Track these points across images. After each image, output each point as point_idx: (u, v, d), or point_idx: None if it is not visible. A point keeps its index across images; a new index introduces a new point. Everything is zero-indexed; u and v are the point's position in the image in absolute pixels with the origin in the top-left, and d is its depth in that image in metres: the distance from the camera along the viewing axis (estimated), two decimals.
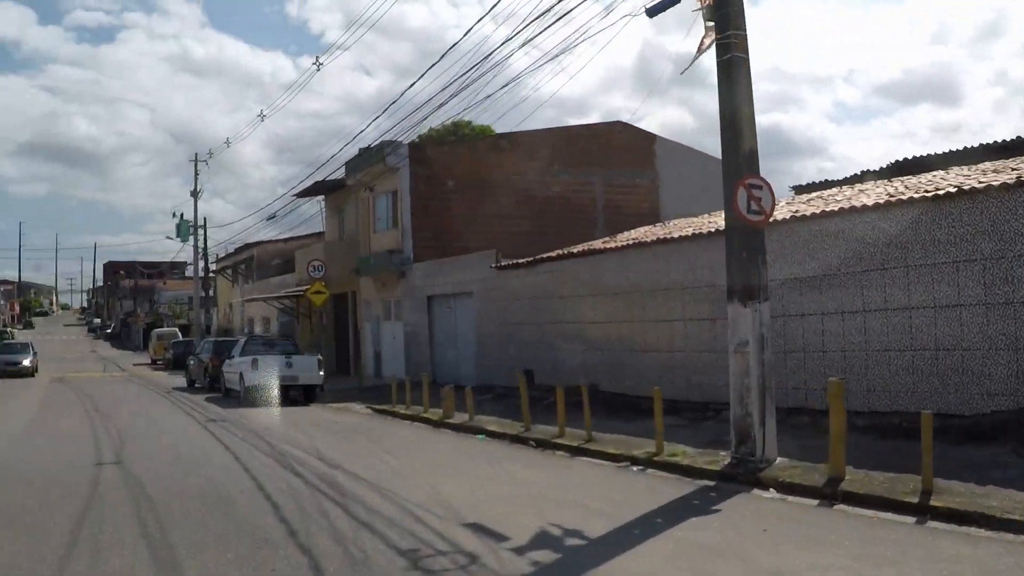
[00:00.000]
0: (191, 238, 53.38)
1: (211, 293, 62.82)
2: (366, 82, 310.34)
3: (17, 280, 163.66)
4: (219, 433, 17.40)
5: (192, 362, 35.13)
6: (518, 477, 11.93)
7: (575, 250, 23.66)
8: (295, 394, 26.71)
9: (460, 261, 28.38)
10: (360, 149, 32.41)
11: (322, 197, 41.15)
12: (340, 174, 36.36)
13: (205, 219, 54.22)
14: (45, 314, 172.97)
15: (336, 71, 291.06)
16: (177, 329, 63.21)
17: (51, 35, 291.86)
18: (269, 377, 25.16)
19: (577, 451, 14.45)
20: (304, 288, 37.27)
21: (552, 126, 37.62)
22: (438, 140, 34.79)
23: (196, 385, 33.98)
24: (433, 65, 27.52)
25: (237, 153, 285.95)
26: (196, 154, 53.89)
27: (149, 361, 60.54)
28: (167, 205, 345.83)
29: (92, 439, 16.40)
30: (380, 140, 32.03)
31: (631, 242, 21.43)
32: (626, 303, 20.75)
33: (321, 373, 26.10)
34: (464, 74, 22.77)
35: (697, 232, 19.09)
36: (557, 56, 19.32)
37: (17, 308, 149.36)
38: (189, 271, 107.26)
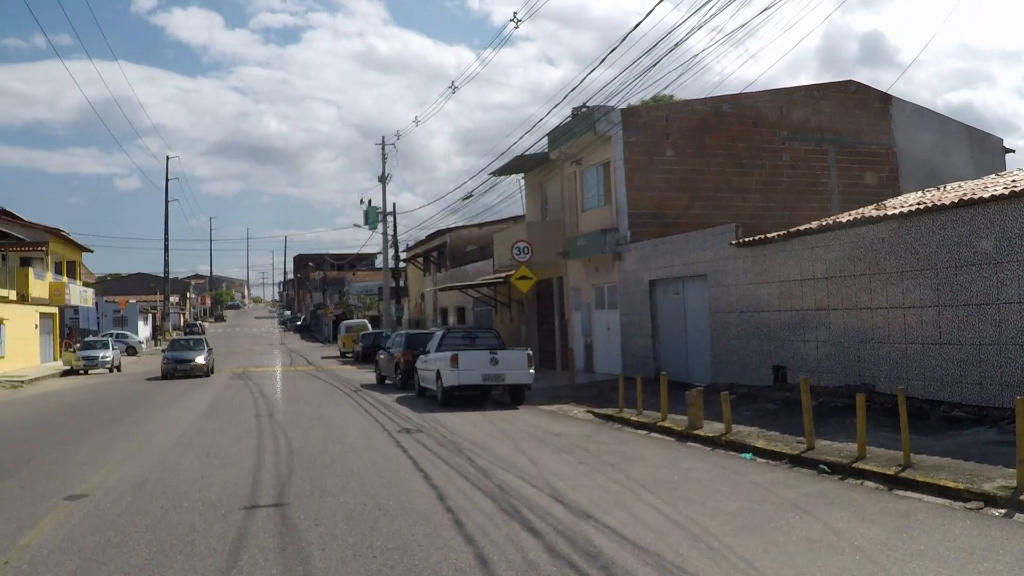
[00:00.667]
0: (379, 225, 51.97)
1: (401, 283, 61.41)
2: (550, 72, 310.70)
3: (209, 274, 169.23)
4: (415, 451, 14.49)
5: (382, 356, 33.01)
6: (854, 537, 8.34)
7: (842, 219, 20.04)
8: (499, 394, 24.25)
9: (689, 239, 25.13)
10: (573, 110, 29.51)
11: (521, 176, 38.66)
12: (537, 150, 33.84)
13: (394, 204, 52.76)
14: (237, 307, 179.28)
15: (521, 61, 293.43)
16: (366, 321, 62.24)
17: (238, 38, 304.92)
18: (472, 376, 22.70)
19: (892, 481, 11.04)
20: (506, 274, 34.85)
21: (778, 87, 33.88)
22: (653, 105, 31.62)
23: (387, 382, 31.98)
24: (612, 50, 24.81)
25: (424, 147, 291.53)
26: (383, 137, 52.62)
27: (338, 354, 59.80)
28: (356, 198, 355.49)
29: (254, 462, 13.68)
30: (588, 103, 29.27)
31: (917, 207, 17.80)
32: (913, 283, 17.10)
33: (531, 371, 23.28)
34: (640, 58, 20.00)
35: (1013, 190, 15.40)
36: (739, 38, 16.07)
37: (209, 302, 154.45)
38: (378, 262, 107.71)
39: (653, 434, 17.08)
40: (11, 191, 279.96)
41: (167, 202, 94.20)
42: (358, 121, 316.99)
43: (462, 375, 22.53)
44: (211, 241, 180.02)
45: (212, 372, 40.75)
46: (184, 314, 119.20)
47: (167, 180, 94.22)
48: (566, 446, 15.07)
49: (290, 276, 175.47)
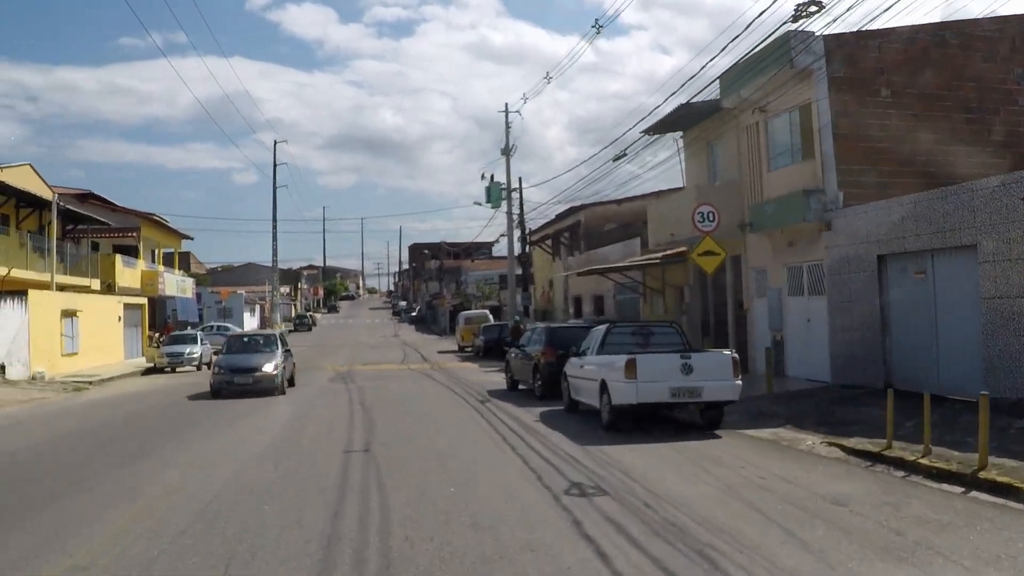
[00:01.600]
0: (502, 203, 45.91)
1: (528, 269, 55.09)
2: (664, 61, 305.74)
3: (322, 264, 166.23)
4: (619, 556, 7.78)
5: (515, 356, 26.46)
6: None
7: None
8: (686, 414, 17.99)
9: (946, 196, 18.08)
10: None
11: (679, 135, 31.96)
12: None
13: (520, 179, 46.55)
14: (351, 298, 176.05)
15: (635, 50, 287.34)
16: (487, 311, 56.32)
17: (353, 32, 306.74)
18: (656, 390, 15.95)
19: None
20: (664, 253, 28.56)
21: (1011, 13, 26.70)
22: (863, 33, 24.68)
23: (520, 387, 25.85)
24: (734, 39, 19.15)
25: (539, 137, 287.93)
26: (507, 104, 46.42)
27: (456, 348, 54.40)
28: (472, 190, 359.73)
29: None
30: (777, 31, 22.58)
31: None
32: None
33: (738, 382, 16.48)
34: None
35: None
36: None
37: (321, 292, 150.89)
38: (497, 249, 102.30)
39: (976, 494, 10.52)
40: (131, 186, 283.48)
41: (275, 187, 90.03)
42: (474, 112, 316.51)
43: (642, 389, 15.75)
44: (324, 230, 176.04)
45: (291, 384, 28.51)
46: (295, 305, 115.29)
47: (275, 165, 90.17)
48: (887, 537, 8.30)
49: (405, 267, 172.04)
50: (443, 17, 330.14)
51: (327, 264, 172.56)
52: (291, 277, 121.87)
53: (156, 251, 60.54)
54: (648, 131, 30.83)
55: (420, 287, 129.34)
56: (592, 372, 17.88)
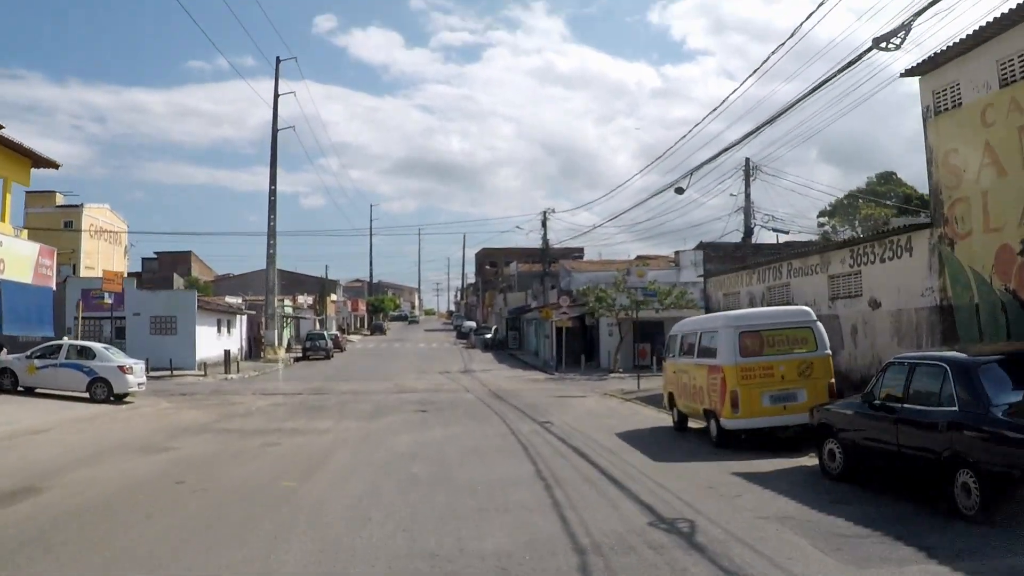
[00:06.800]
0: None
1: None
2: (731, 87, 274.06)
3: (368, 278, 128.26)
4: None
5: None
6: None
7: None
8: None
9: None
10: None
11: None
12: None
13: None
14: (404, 318, 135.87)
15: (702, 76, 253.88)
16: (809, 310, 16.64)
17: (419, 57, 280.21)
18: None
19: None
20: None
21: None
22: None
23: None
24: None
25: (608, 164, 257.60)
26: None
27: (672, 420, 17.97)
28: (538, 219, 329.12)
29: None
30: None
31: None
32: None
33: None
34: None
35: None
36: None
37: (363, 308, 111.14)
38: (590, 254, 65.14)
39: None
40: (196, 208, 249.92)
41: (275, 129, 52.86)
42: (540, 137, 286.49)
43: None
44: (371, 235, 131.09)
45: None
46: (316, 322, 75.81)
47: (276, 95, 53.15)
48: None
49: (469, 280, 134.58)
50: (509, 42, 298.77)
51: (377, 280, 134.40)
52: (316, 286, 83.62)
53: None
54: None
55: (493, 300, 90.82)
56: None
